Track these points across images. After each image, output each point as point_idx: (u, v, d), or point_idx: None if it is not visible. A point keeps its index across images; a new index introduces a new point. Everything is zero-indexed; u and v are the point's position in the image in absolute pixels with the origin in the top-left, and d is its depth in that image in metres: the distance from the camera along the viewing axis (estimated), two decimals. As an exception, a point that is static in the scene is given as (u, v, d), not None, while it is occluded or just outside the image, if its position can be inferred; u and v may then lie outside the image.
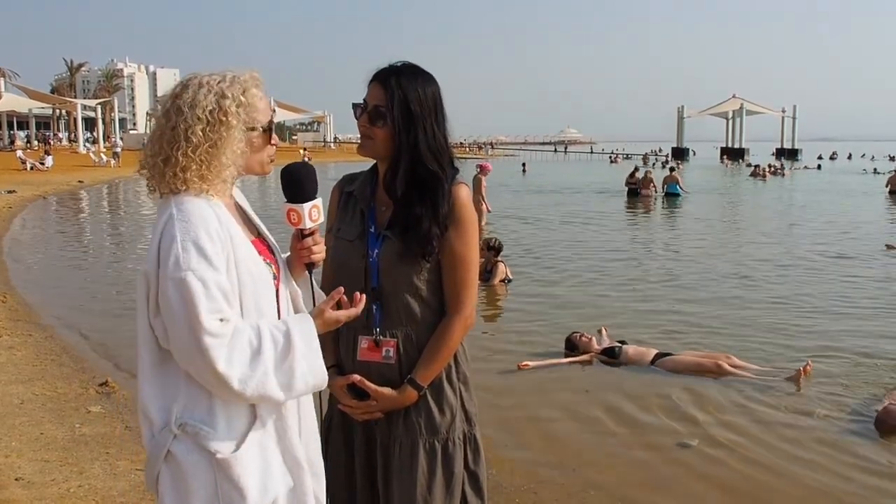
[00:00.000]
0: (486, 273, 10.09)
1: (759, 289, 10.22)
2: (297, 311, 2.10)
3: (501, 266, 10.21)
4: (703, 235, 16.36)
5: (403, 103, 2.18)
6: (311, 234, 2.07)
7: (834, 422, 5.41)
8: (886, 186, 29.00)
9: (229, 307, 1.80)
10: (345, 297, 2.01)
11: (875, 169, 46.11)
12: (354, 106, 2.25)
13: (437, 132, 2.24)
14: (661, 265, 12.18)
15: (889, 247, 13.61)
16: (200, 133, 1.84)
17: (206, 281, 1.76)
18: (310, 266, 2.11)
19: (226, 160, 1.88)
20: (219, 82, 1.89)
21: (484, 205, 16.98)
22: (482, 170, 17.12)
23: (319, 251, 2.09)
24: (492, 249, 10.18)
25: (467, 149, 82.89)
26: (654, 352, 6.71)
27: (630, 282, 10.73)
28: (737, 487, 4.49)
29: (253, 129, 1.93)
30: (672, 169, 27.66)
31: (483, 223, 16.87)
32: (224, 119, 1.86)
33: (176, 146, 1.85)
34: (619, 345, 6.85)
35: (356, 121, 2.25)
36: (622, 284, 10.59)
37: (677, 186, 25.29)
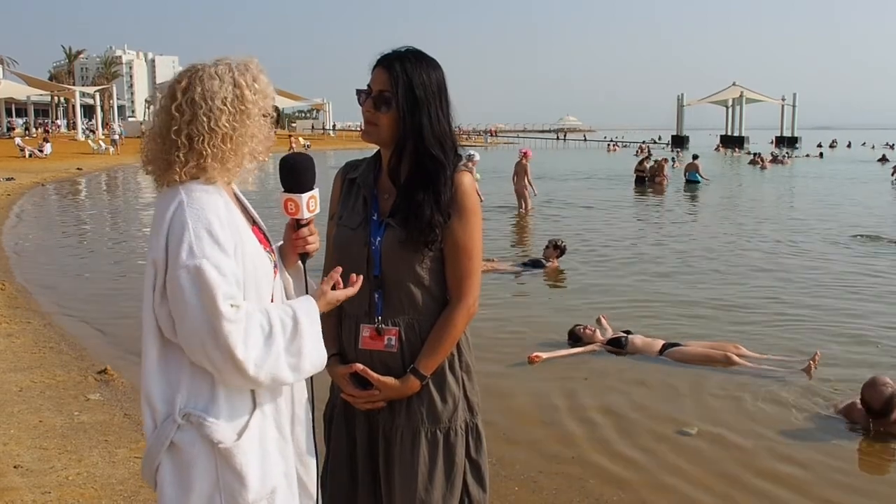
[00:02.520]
0: (542, 261, 10.44)
1: (770, 278, 10.18)
2: (288, 299, 2.09)
3: (556, 264, 10.50)
4: (713, 224, 16.28)
5: (408, 88, 2.15)
6: (308, 224, 2.06)
7: (827, 421, 5.38)
8: (892, 175, 28.41)
9: (239, 293, 1.81)
10: (339, 279, 2.02)
11: (884, 155, 45.81)
12: (358, 92, 2.22)
13: (441, 118, 2.21)
14: (667, 253, 12.12)
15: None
16: (226, 123, 1.86)
17: (222, 267, 1.77)
18: (303, 256, 2.10)
19: (247, 149, 1.90)
20: (229, 72, 1.89)
21: (530, 188, 17.00)
22: (525, 156, 17.10)
23: (314, 241, 2.09)
24: (557, 248, 10.54)
25: (466, 136, 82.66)
26: (661, 342, 6.66)
27: (642, 270, 10.70)
28: (733, 479, 4.48)
29: (266, 115, 1.95)
30: (694, 157, 28.54)
31: (529, 207, 16.89)
32: (244, 108, 1.88)
33: (200, 138, 1.84)
34: (625, 335, 6.81)
35: (360, 107, 2.21)
36: (635, 272, 10.59)
37: (697, 174, 26.24)
